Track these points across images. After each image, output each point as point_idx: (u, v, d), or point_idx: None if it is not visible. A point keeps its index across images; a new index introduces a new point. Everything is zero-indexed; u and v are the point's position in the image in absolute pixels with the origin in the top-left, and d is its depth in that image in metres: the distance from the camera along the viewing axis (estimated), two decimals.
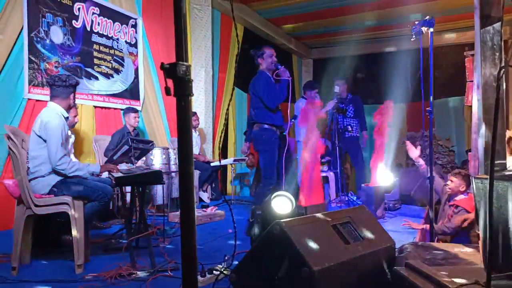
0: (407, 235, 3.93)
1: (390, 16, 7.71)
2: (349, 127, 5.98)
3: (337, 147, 5.60)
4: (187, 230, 1.33)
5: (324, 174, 5.75)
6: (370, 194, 4.72)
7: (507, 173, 1.70)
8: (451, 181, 3.93)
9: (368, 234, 2.51)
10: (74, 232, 3.04)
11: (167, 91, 1.25)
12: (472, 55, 5.55)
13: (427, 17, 3.67)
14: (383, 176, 5.08)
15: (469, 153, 5.81)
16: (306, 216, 2.42)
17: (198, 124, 6.20)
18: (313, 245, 2.18)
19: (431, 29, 3.64)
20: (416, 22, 3.74)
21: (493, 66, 1.96)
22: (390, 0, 6.95)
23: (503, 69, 1.20)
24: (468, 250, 2.72)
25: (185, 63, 1.28)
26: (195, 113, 6.15)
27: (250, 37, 7.83)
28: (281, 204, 3.02)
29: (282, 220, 2.22)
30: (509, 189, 1.66)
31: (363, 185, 5.05)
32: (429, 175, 3.60)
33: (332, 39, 9.55)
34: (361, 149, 6.06)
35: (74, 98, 3.35)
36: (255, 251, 2.27)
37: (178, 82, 1.27)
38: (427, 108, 3.71)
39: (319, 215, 2.53)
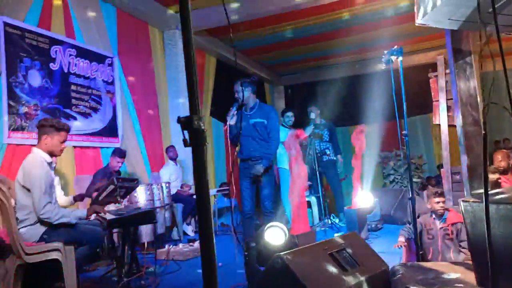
0: (393, 255, 4.03)
1: (358, 42, 8.08)
2: (327, 150, 6.14)
3: (317, 172, 5.73)
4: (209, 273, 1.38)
5: (307, 199, 5.86)
6: (353, 216, 4.83)
7: (496, 197, 1.83)
8: (438, 202, 3.96)
9: (363, 260, 2.60)
10: (66, 279, 2.99)
11: (185, 143, 1.33)
12: (436, 76, 5.87)
13: (396, 46, 3.86)
14: (364, 197, 5.22)
15: (442, 169, 6.07)
16: (304, 247, 2.49)
17: (177, 155, 6.20)
18: (315, 276, 2.25)
19: (400, 57, 3.83)
20: (386, 52, 3.92)
21: (469, 96, 2.12)
22: (357, 27, 7.31)
23: (487, 107, 1.34)
24: (456, 267, 2.84)
25: (199, 115, 1.36)
26: (172, 146, 6.17)
27: (222, 68, 8.02)
28: (275, 235, 3.08)
29: (282, 253, 2.29)
30: (496, 211, 1.79)
31: (345, 208, 5.17)
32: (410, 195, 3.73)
33: (303, 65, 9.89)
34: (337, 172, 6.21)
35: (53, 140, 3.25)
36: (258, 285, 2.31)
37: (193, 134, 1.35)
38: (403, 132, 3.85)
39: (315, 244, 2.61)
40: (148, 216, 3.16)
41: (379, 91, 7.57)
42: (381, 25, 7.16)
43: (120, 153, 5.01)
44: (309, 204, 6.03)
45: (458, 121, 2.07)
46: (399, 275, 2.76)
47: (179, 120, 1.35)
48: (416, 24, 1.97)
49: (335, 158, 6.23)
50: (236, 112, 4.11)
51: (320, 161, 6.10)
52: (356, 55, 8.98)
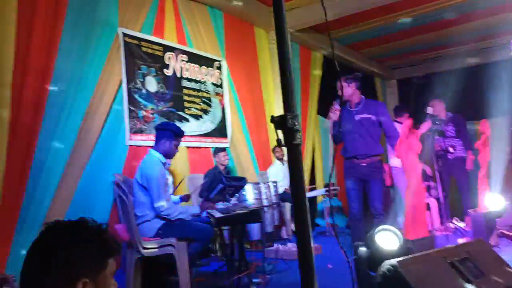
0: None
1: (479, 29, 7.29)
2: (451, 148, 5.56)
3: (437, 171, 5.25)
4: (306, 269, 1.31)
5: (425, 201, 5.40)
6: (479, 221, 4.31)
7: None
8: None
9: (491, 271, 2.27)
10: (180, 273, 3.13)
11: (279, 143, 1.26)
12: None
13: None
14: (492, 200, 4.63)
15: None
16: (420, 254, 2.25)
17: (283, 155, 6.20)
18: (432, 286, 2.01)
19: None
20: None
21: None
22: (477, 13, 6.58)
23: None
24: None
25: (293, 113, 1.28)
26: (279, 146, 6.16)
27: (330, 65, 7.81)
28: (386, 239, 2.86)
29: (395, 260, 2.09)
30: None
31: (470, 211, 4.64)
32: None
33: (417, 57, 9.23)
34: (466, 171, 5.58)
35: (171, 144, 3.46)
36: None
37: (288, 133, 1.27)
38: None
39: (433, 251, 2.35)
40: (254, 215, 3.18)
41: (506, 81, 6.72)
42: (505, 9, 6.34)
43: (220, 149, 5.21)
44: (427, 207, 5.56)
45: None
46: None
47: (272, 119, 1.28)
48: None
49: (464, 155, 5.61)
50: (340, 108, 3.95)
51: (445, 159, 5.58)
52: (476, 43, 8.11)
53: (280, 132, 1.27)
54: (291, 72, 1.29)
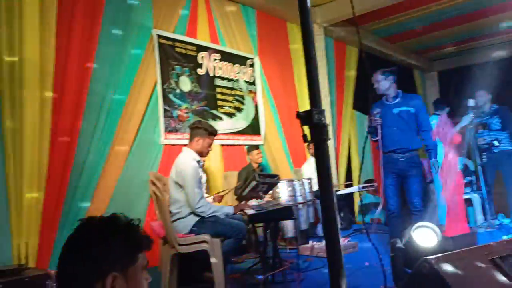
0: None
1: None
2: (496, 141, 5.30)
3: (480, 166, 5.04)
4: (335, 266, 1.27)
5: (466, 197, 5.20)
6: None
7: None
8: None
9: None
10: (214, 269, 3.17)
11: (304, 138, 1.25)
12: None
13: None
14: None
15: None
16: (459, 251, 2.17)
17: None
18: (471, 285, 1.93)
19: None
20: None
21: None
22: None
23: None
24: None
25: (319, 108, 1.26)
26: (312, 142, 6.10)
27: (366, 58, 7.65)
28: (424, 236, 2.78)
29: (431, 257, 2.02)
30: None
31: None
32: None
33: (457, 48, 8.88)
34: None
35: (204, 143, 3.52)
36: None
37: (314, 128, 1.25)
38: None
39: (473, 248, 2.26)
40: (286, 212, 3.16)
41: None
42: None
43: (253, 146, 5.21)
44: (470, 203, 5.35)
45: None
46: None
47: (298, 115, 1.27)
48: None
49: (510, 148, 5.34)
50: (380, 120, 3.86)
51: (490, 153, 5.35)
52: None
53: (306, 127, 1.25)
54: (316, 67, 1.28)
